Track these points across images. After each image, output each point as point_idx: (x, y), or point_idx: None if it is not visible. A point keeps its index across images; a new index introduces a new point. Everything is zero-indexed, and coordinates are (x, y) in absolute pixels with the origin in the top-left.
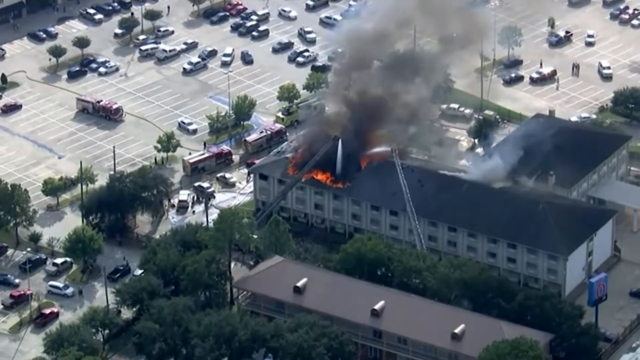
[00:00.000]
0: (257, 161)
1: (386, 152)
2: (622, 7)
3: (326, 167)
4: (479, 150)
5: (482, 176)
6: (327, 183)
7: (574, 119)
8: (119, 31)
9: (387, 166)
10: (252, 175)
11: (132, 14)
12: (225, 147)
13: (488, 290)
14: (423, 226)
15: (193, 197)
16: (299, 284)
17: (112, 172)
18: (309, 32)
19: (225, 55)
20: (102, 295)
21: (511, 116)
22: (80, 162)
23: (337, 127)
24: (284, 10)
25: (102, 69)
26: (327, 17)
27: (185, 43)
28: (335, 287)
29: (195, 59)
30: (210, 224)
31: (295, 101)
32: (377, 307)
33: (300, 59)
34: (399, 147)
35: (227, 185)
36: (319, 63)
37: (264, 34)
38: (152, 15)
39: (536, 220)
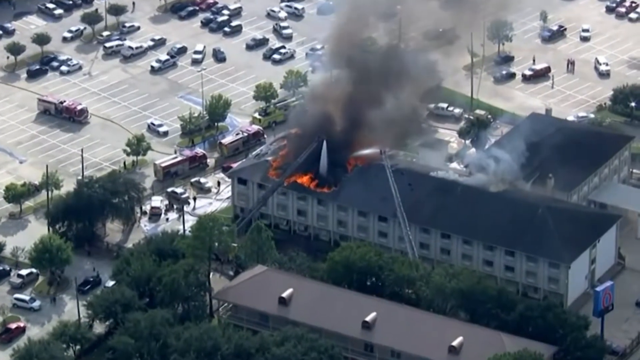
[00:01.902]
0: (233, 165)
1: (375, 153)
2: None
3: (310, 170)
4: (472, 151)
5: (488, 179)
6: (310, 187)
7: (570, 118)
8: (67, 35)
9: (376, 169)
10: (220, 183)
11: (97, 10)
12: (199, 150)
13: (486, 301)
14: (414, 233)
15: (166, 204)
16: (285, 294)
17: (79, 177)
18: (285, 28)
19: (195, 52)
20: (72, 309)
21: (502, 115)
22: (47, 166)
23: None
24: (272, 11)
25: (64, 68)
26: (287, 6)
27: (152, 40)
28: (323, 298)
29: (163, 57)
30: (187, 232)
31: (272, 101)
32: (368, 318)
33: (276, 56)
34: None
35: (203, 190)
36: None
37: (237, 30)
38: (117, 10)
39: (536, 226)
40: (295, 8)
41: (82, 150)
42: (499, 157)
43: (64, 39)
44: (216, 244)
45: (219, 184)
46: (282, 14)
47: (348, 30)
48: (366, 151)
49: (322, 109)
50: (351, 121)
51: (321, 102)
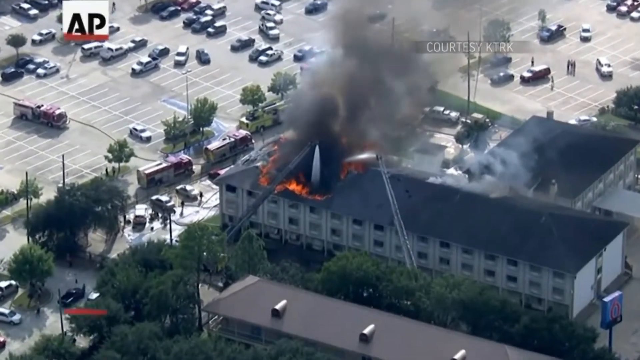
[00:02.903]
0: (220, 171)
1: (370, 158)
2: None
3: (302, 176)
4: (470, 156)
5: (489, 185)
6: (303, 194)
7: (572, 122)
8: (37, 38)
9: (371, 175)
10: (202, 194)
11: None
12: (184, 157)
13: (489, 312)
14: (412, 242)
15: (151, 213)
16: (278, 306)
17: (60, 185)
18: (271, 28)
19: (178, 54)
20: (53, 323)
21: (500, 118)
22: (26, 173)
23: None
24: (268, 14)
25: (40, 70)
26: (264, 3)
27: (133, 41)
28: (319, 310)
29: (145, 59)
30: (175, 241)
31: (260, 104)
32: (366, 331)
33: (262, 58)
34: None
35: (189, 198)
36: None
37: (221, 31)
38: None
39: (539, 234)
40: (273, 5)
41: (62, 156)
42: (506, 160)
43: (34, 42)
44: (205, 254)
45: (200, 195)
46: (278, 17)
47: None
48: (361, 156)
49: (317, 104)
50: (349, 114)
51: (315, 94)
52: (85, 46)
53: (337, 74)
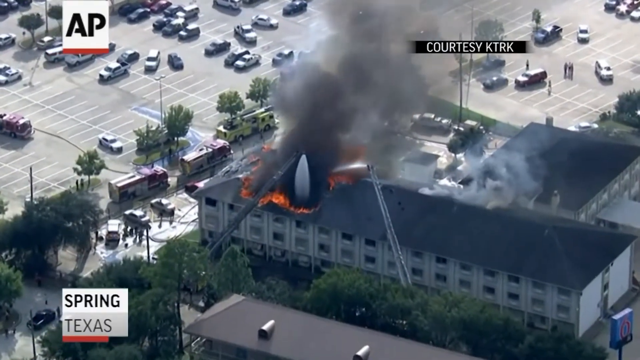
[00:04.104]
0: (198, 184)
1: (361, 168)
2: None
3: (287, 188)
4: (465, 165)
5: (488, 195)
6: (288, 208)
7: (571, 128)
8: None
9: (361, 186)
10: (175, 210)
11: (39, 14)
12: (159, 168)
13: (491, 332)
14: (406, 257)
15: (124, 228)
16: (265, 327)
17: (27, 199)
18: (248, 31)
19: (149, 59)
20: (23, 346)
21: (495, 126)
22: None
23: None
24: (261, 19)
25: (1, 77)
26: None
27: None
28: (309, 331)
29: (113, 64)
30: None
31: (238, 112)
32: (360, 353)
33: (239, 63)
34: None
35: (165, 212)
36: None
37: (194, 34)
38: (58, 13)
39: (542, 248)
40: (232, 1)
41: (30, 169)
42: (509, 167)
43: None
44: (186, 271)
45: (172, 212)
46: (274, 21)
47: None
48: (351, 166)
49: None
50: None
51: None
52: (49, 51)
53: (334, 60)
